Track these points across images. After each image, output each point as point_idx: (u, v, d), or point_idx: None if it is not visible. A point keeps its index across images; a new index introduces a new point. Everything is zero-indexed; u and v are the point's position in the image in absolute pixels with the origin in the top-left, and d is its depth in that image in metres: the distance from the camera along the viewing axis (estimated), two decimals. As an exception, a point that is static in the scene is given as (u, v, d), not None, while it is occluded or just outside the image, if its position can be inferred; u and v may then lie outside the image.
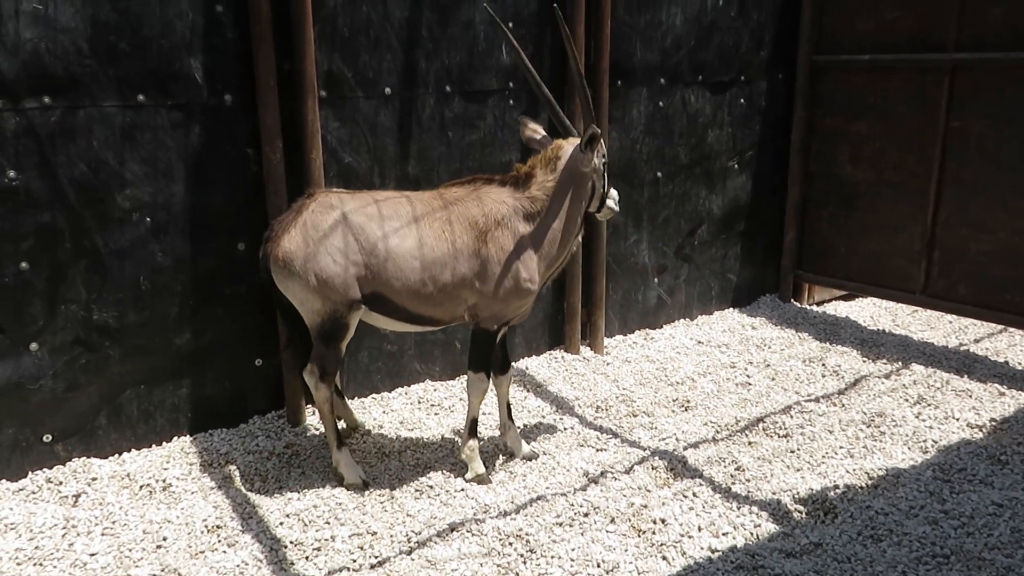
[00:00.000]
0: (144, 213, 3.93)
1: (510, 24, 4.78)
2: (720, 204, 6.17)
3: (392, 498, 3.71)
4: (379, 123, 4.52)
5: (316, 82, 4.14)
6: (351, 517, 3.55)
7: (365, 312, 3.66)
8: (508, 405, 4.04)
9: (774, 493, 3.70)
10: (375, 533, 3.42)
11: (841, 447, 4.12)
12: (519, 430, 4.26)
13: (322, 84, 4.25)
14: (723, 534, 3.39)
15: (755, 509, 3.57)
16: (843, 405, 4.63)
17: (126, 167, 3.85)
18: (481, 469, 3.86)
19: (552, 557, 3.23)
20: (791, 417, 4.47)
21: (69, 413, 3.90)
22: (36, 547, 3.32)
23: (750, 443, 4.22)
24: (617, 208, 3.95)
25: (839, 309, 6.46)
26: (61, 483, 3.78)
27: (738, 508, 3.59)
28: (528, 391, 4.90)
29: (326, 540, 3.37)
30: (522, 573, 3.15)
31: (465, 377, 5.07)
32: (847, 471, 3.88)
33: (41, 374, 3.80)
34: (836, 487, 3.73)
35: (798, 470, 3.94)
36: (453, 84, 4.72)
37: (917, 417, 4.45)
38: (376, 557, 3.26)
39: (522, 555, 3.26)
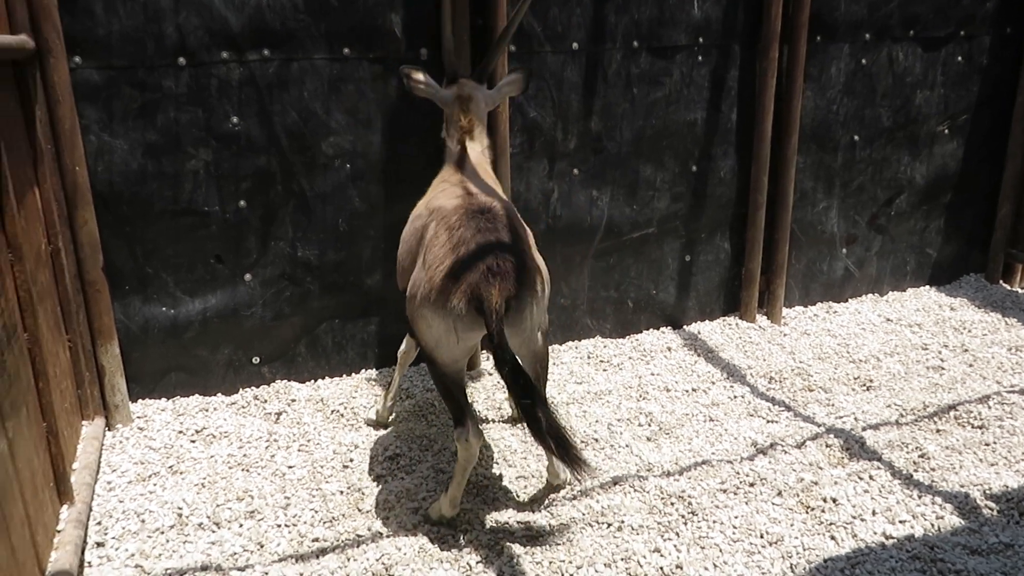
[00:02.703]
0: (345, 160, 4.22)
1: (706, -23, 4.63)
2: (924, 172, 5.70)
3: (558, 446, 3.82)
4: (565, 78, 4.54)
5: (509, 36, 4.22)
6: (518, 460, 3.70)
7: None
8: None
9: (962, 486, 3.46)
10: (540, 476, 3.56)
11: (1046, 445, 3.77)
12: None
13: (511, 39, 4.32)
14: (900, 521, 3.23)
15: (938, 500, 3.36)
16: (1052, 400, 4.21)
17: (331, 116, 4.14)
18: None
19: (714, 522, 3.22)
20: (988, 408, 4.13)
21: (274, 339, 4.32)
22: (244, 455, 3.74)
23: (938, 431, 3.95)
24: None
25: (1057, 295, 5.83)
26: (266, 401, 4.21)
27: (919, 497, 3.39)
28: (699, 356, 4.84)
29: (494, 477, 3.54)
30: (682, 533, 3.17)
31: (636, 336, 5.09)
32: (1051, 471, 3.55)
33: (253, 302, 4.22)
34: (1036, 487, 3.43)
35: (992, 464, 3.64)
36: (641, 39, 4.65)
37: None
38: (539, 499, 3.40)
39: (683, 516, 3.27)
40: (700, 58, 4.85)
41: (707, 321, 5.31)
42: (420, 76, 3.72)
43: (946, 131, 5.68)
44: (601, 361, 4.76)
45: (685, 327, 5.23)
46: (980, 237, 6.02)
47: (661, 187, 4.95)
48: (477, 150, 3.64)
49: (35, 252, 3.26)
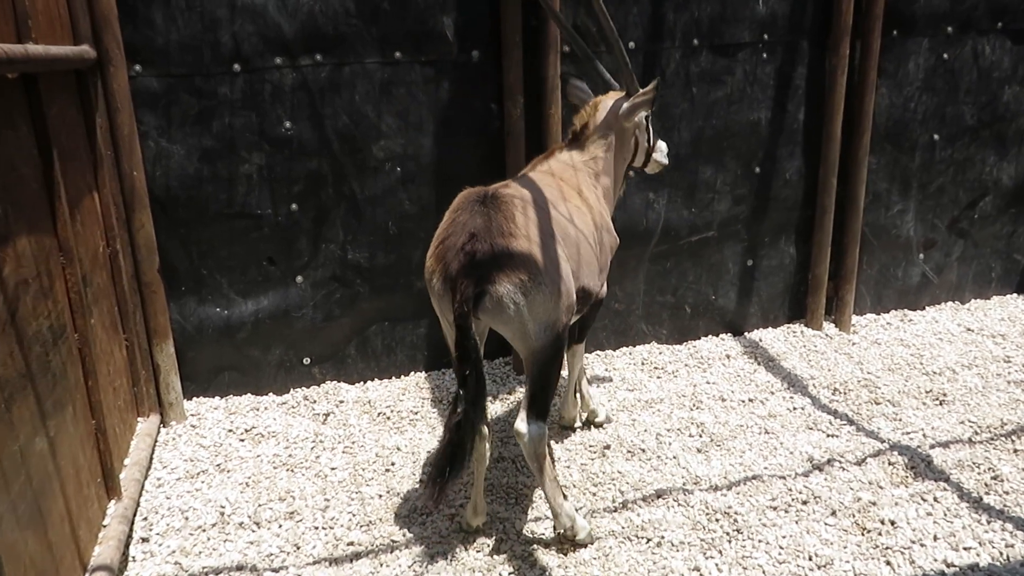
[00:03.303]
0: (395, 163, 4.23)
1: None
2: (1012, 173, 5.33)
3: (603, 455, 3.73)
4: (620, 78, 4.43)
5: (559, 37, 4.15)
6: (561, 469, 3.62)
7: None
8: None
9: (1037, 512, 3.20)
10: (579, 486, 3.47)
11: None
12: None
13: (566, 39, 4.25)
14: (964, 548, 3.00)
15: (1009, 527, 3.11)
16: None
17: (382, 120, 4.16)
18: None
19: (759, 541, 3.07)
20: (1075, 427, 3.82)
21: (325, 341, 4.37)
22: (290, 455, 3.79)
23: (1015, 451, 3.67)
24: (666, 161, 3.79)
25: None
26: (315, 402, 4.26)
27: (988, 522, 3.15)
28: (759, 364, 4.65)
29: (533, 486, 3.48)
30: (725, 552, 3.03)
31: (693, 343, 4.94)
32: None
33: (304, 304, 4.28)
34: (1123, 517, 3.14)
35: (1074, 490, 3.36)
36: (702, 37, 4.50)
37: None
38: (578, 509, 3.31)
39: (728, 533, 3.13)
40: (765, 55, 4.66)
41: (770, 328, 5.10)
42: (577, 83, 3.87)
43: (1037, 129, 5.30)
44: (655, 368, 4.63)
45: (746, 334, 5.04)
46: (1076, 242, 5.59)
47: (722, 189, 4.77)
48: (576, 156, 3.50)
49: (92, 254, 3.38)
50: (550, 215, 3.02)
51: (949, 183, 5.22)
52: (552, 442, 3.85)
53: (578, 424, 3.98)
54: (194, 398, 4.23)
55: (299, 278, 4.24)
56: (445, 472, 2.74)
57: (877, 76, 4.78)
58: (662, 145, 3.78)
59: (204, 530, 3.25)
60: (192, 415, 4.13)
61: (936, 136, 5.09)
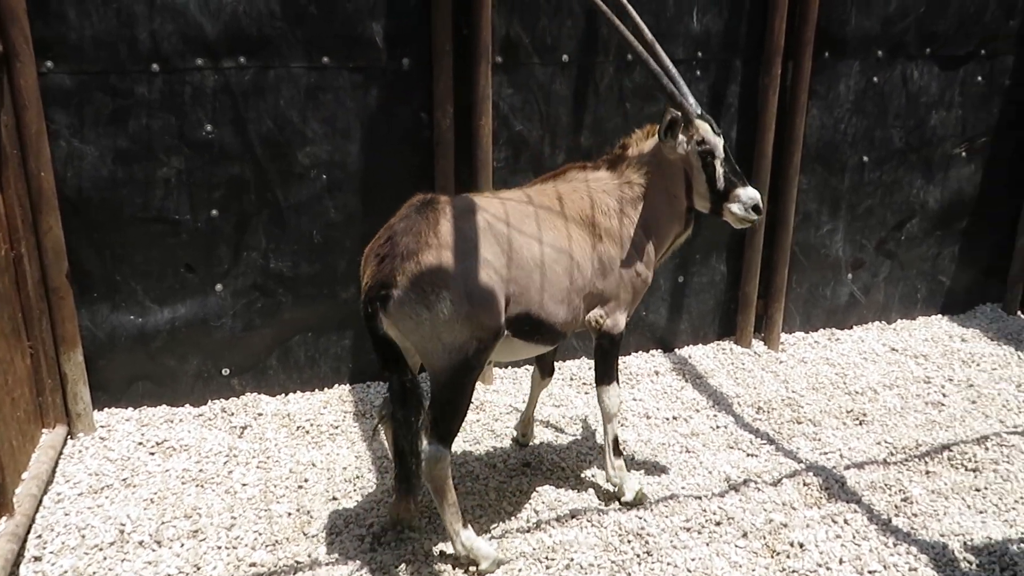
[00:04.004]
0: (321, 170, 4.14)
1: (702, -13, 4.47)
2: (938, 197, 5.44)
3: (523, 473, 3.68)
4: (554, 91, 4.41)
5: (491, 47, 4.11)
6: (478, 487, 3.57)
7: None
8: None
9: (942, 535, 3.24)
10: (494, 506, 3.42)
11: (1042, 494, 3.53)
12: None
13: (498, 49, 4.21)
14: (869, 572, 3.03)
15: (914, 550, 3.14)
16: (1057, 444, 3.95)
17: (308, 125, 4.06)
18: (637, 485, 3.44)
19: (668, 564, 3.05)
20: (986, 449, 3.89)
21: (245, 351, 4.25)
22: (200, 470, 3.67)
23: (927, 472, 3.73)
24: (749, 214, 3.23)
25: (1079, 329, 5.51)
26: (233, 414, 4.14)
27: (894, 545, 3.18)
28: (686, 381, 4.66)
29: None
30: (634, 575, 3.01)
31: (623, 358, 4.91)
32: (1042, 524, 3.31)
33: (223, 313, 4.16)
34: (1023, 541, 3.19)
35: (980, 512, 3.42)
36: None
37: None
38: (491, 528, 3.26)
39: (638, 555, 3.11)
40: (699, 72, 4.69)
41: (700, 345, 5.12)
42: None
43: (963, 154, 5.42)
44: (584, 383, 4.61)
45: (676, 350, 5.06)
46: (998, 266, 5.73)
47: (653, 205, 4.77)
48: (606, 177, 3.28)
49: (-11, 258, 3.24)
50: (499, 233, 2.90)
51: (877, 205, 5.31)
52: (473, 458, 3.80)
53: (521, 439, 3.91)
54: (105, 409, 4.08)
55: (219, 286, 4.12)
56: (402, 481, 2.96)
57: (808, 97, 4.84)
58: (745, 194, 3.21)
59: (101, 549, 3.12)
60: (102, 426, 3.98)
61: (865, 158, 5.18)
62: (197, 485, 3.55)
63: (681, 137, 3.18)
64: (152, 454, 3.78)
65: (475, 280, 2.79)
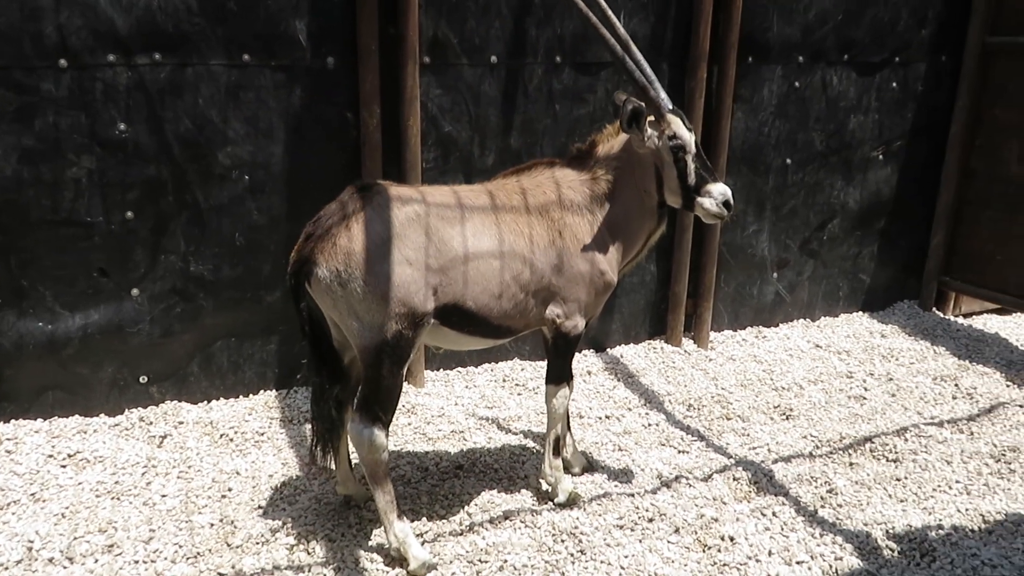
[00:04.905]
0: (243, 171, 4.02)
1: (629, -9, 4.51)
2: (858, 198, 5.61)
3: (455, 476, 3.63)
4: (483, 92, 4.39)
5: (418, 47, 4.07)
6: (410, 491, 3.50)
7: (431, 330, 3.04)
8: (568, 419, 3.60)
9: (866, 524, 3.32)
10: (426, 510, 3.36)
11: (957, 481, 3.64)
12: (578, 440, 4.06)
13: (426, 50, 4.17)
14: (797, 562, 3.07)
15: (839, 539, 3.21)
16: (971, 433, 4.10)
17: (229, 125, 3.94)
18: (571, 486, 3.45)
19: (601, 562, 3.04)
20: (905, 440, 4.01)
21: (164, 357, 4.09)
22: (116, 482, 3.50)
23: (851, 464, 3.82)
24: (720, 210, 3.19)
25: (988, 324, 5.75)
26: (151, 423, 3.97)
27: (820, 536, 3.24)
28: (618, 380, 4.68)
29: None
30: (568, 574, 2.98)
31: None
32: (958, 510, 3.42)
33: (140, 318, 3.99)
34: (940, 527, 3.29)
35: (901, 501, 3.51)
36: (564, 54, 4.52)
37: (1060, 457, 3.87)
38: (424, 533, 3.20)
39: (572, 555, 3.09)
40: (625, 76, 4.72)
41: (632, 344, 5.16)
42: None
43: (880, 157, 5.61)
44: (516, 385, 4.58)
45: (608, 350, 5.08)
46: (914, 264, 5.95)
47: (584, 206, 4.79)
48: (571, 173, 3.24)
49: None
50: (429, 224, 2.90)
51: (800, 205, 5.44)
52: (405, 462, 3.72)
53: (576, 470, 3.70)
54: (12, 420, 3.86)
55: (135, 291, 3.95)
56: (316, 444, 3.22)
57: (733, 101, 4.94)
58: (716, 189, 3.18)
59: (7, 568, 2.94)
60: (8, 439, 3.75)
61: (788, 160, 5.31)
62: (113, 498, 3.39)
63: (652, 131, 3.15)
64: (64, 467, 3.59)
65: (388, 264, 2.82)
